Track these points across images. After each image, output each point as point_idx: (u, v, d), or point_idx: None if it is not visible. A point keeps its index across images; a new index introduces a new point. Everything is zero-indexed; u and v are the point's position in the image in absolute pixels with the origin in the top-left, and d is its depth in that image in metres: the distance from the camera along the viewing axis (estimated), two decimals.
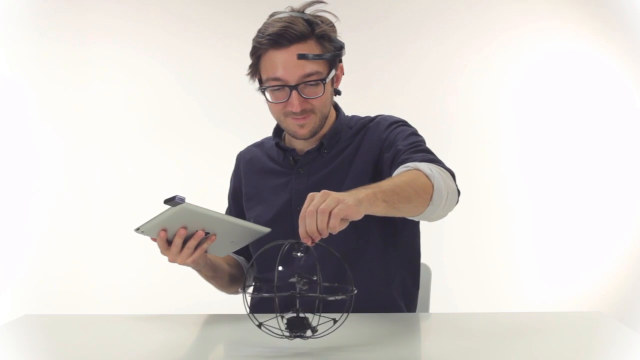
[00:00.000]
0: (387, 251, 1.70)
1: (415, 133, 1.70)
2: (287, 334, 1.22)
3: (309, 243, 1.23)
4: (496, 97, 3.51)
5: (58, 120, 3.43)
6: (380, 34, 3.49)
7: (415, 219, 1.51)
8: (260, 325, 1.24)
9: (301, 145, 1.75)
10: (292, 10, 1.66)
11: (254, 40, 1.65)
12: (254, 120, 3.37)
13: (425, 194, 1.41)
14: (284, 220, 1.71)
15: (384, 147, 1.68)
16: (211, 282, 1.77)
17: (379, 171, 1.67)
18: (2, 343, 1.38)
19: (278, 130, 1.81)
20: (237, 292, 1.84)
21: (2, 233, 3.38)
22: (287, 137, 1.78)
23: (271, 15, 1.67)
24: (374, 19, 3.49)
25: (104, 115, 3.46)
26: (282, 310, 1.25)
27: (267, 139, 1.87)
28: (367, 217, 1.45)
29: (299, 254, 1.24)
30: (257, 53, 1.64)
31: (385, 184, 1.38)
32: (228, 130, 3.43)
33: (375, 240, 1.68)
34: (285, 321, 1.22)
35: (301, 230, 1.24)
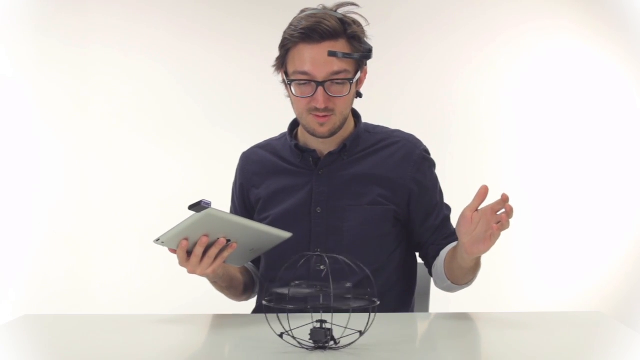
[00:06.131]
0: (404, 263, 1.77)
1: (442, 192, 1.81)
2: (310, 344, 1.22)
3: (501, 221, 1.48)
4: (496, 96, 3.51)
5: (58, 120, 3.43)
6: (380, 34, 3.47)
7: (459, 281, 1.70)
8: (282, 335, 1.24)
9: (321, 147, 1.73)
10: (325, 8, 1.66)
11: (285, 32, 1.65)
12: (255, 120, 3.38)
13: (471, 278, 1.69)
14: (301, 220, 1.70)
15: (420, 190, 1.74)
16: (225, 292, 1.75)
17: (402, 195, 1.72)
18: (2, 343, 1.38)
19: (291, 131, 1.79)
20: (247, 299, 1.84)
21: (2, 233, 3.38)
22: (301, 137, 1.77)
23: (302, 11, 1.66)
24: (373, 19, 3.48)
25: (105, 116, 3.45)
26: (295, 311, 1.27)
27: (272, 140, 1.85)
28: (396, 236, 1.72)
29: (322, 267, 1.26)
30: (287, 46, 1.64)
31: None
32: (229, 131, 3.43)
33: (397, 255, 1.75)
34: (309, 332, 1.23)
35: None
